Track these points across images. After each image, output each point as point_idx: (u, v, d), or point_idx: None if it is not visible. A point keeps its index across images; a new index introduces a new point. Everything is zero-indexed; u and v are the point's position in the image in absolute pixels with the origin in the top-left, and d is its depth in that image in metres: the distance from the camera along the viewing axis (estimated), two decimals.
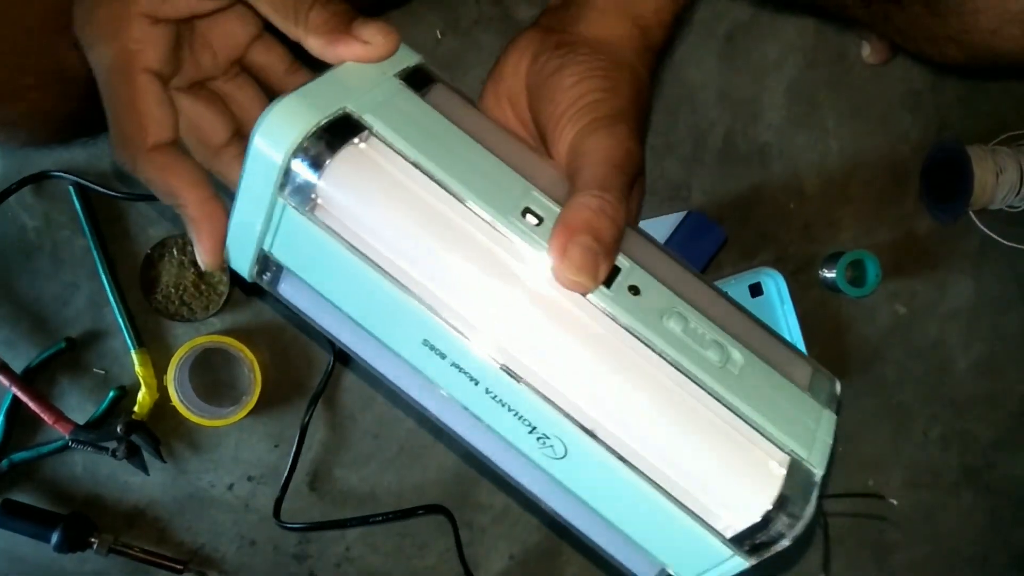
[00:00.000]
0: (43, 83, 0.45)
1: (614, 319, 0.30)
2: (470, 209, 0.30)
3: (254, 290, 0.64)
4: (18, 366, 0.61)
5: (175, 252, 0.63)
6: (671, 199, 0.67)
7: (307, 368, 0.65)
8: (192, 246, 0.60)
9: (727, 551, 0.30)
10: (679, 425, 0.30)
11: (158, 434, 0.63)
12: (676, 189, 0.67)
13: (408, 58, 0.34)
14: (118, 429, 0.60)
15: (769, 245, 0.69)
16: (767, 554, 0.30)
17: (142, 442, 0.61)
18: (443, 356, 0.31)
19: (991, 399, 0.73)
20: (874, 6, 0.53)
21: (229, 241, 0.34)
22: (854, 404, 0.71)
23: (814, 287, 0.70)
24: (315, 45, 0.33)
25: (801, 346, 0.64)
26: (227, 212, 0.34)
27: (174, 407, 0.62)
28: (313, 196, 0.30)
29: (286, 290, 0.35)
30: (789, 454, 0.30)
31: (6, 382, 0.60)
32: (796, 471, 0.30)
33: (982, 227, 0.70)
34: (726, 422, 0.30)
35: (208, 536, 0.66)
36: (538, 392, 0.30)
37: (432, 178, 0.30)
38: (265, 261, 0.34)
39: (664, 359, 0.30)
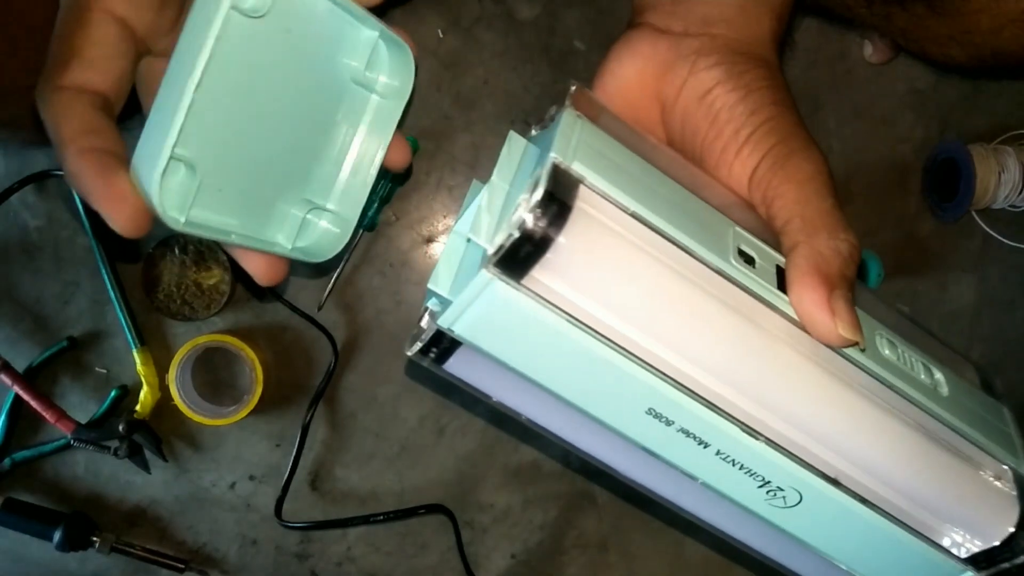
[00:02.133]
0: None
1: (847, 359, 0.28)
2: (696, 257, 0.27)
3: (259, 292, 0.64)
4: (20, 365, 0.61)
5: (177, 251, 0.63)
6: None
7: (308, 367, 0.65)
8: (193, 246, 0.60)
9: (959, 568, 0.29)
10: (913, 459, 0.29)
11: (160, 433, 0.63)
12: None
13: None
14: (120, 428, 0.60)
15: None
16: (1004, 567, 0.30)
17: (144, 441, 0.61)
18: (670, 423, 0.28)
19: None
20: (876, 7, 0.53)
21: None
22: None
23: None
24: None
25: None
26: (116, 165, 0.29)
27: (176, 406, 0.62)
28: (530, 273, 0.26)
29: (455, 366, 0.30)
30: (1011, 467, 0.30)
31: (8, 381, 0.60)
32: (1021, 484, 0.29)
33: (984, 227, 0.70)
34: (951, 446, 0.29)
35: (209, 535, 0.67)
36: (777, 447, 0.28)
37: (651, 227, 0.27)
38: (439, 338, 0.29)
39: (892, 390, 0.29)
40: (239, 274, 0.63)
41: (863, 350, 0.29)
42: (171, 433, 0.65)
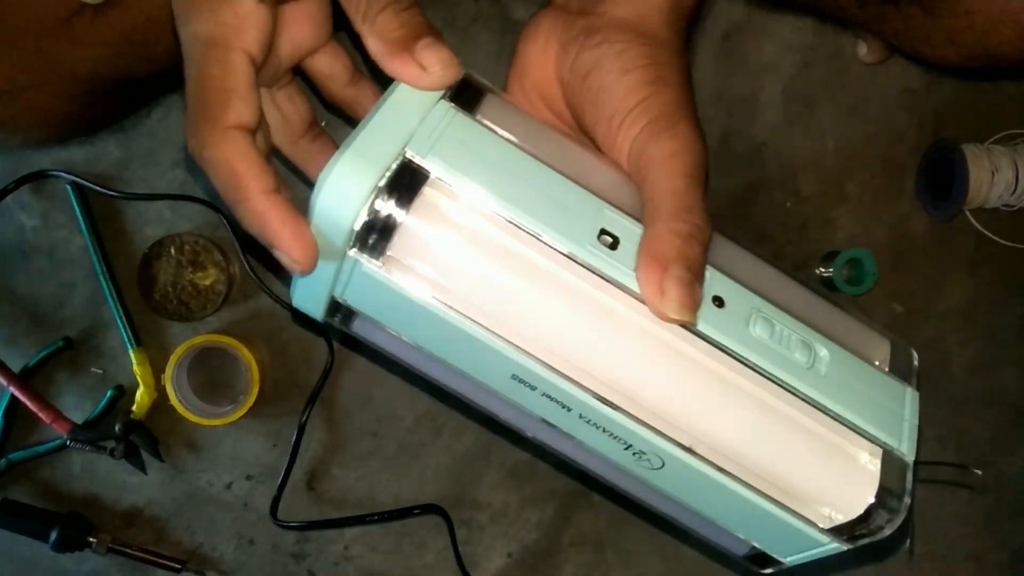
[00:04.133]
0: (41, 82, 0.45)
1: (704, 337, 0.30)
2: (545, 243, 0.29)
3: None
4: (16, 365, 0.61)
5: (173, 251, 0.63)
6: None
7: (305, 367, 0.66)
8: (189, 246, 0.60)
9: (824, 539, 0.31)
10: (774, 434, 0.31)
11: (156, 433, 0.63)
12: None
13: None
14: (116, 428, 0.60)
15: (766, 244, 0.69)
16: (864, 541, 0.31)
17: (140, 441, 0.61)
18: (533, 388, 0.31)
19: (988, 397, 0.73)
20: (870, 7, 0.53)
21: (299, 288, 0.33)
22: None
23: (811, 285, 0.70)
24: (373, 50, 0.32)
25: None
26: (292, 207, 0.31)
27: (172, 406, 0.62)
28: (386, 252, 0.29)
29: (361, 327, 0.34)
30: (882, 447, 0.31)
31: (4, 381, 0.60)
32: (890, 463, 0.31)
33: (978, 226, 0.70)
34: (819, 424, 0.31)
35: (206, 535, 0.66)
36: (632, 417, 0.30)
37: (503, 217, 0.29)
38: (336, 305, 0.33)
39: (756, 371, 0.30)
40: (235, 280, 0.63)
41: (694, 327, 0.30)
42: (167, 433, 0.65)
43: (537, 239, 0.29)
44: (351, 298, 0.32)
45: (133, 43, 0.45)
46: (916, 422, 0.32)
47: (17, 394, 0.60)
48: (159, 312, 0.63)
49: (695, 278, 0.29)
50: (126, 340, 0.63)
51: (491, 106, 0.33)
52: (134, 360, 0.62)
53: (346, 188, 0.28)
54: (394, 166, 0.29)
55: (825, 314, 0.34)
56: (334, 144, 0.40)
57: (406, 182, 0.29)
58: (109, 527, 0.64)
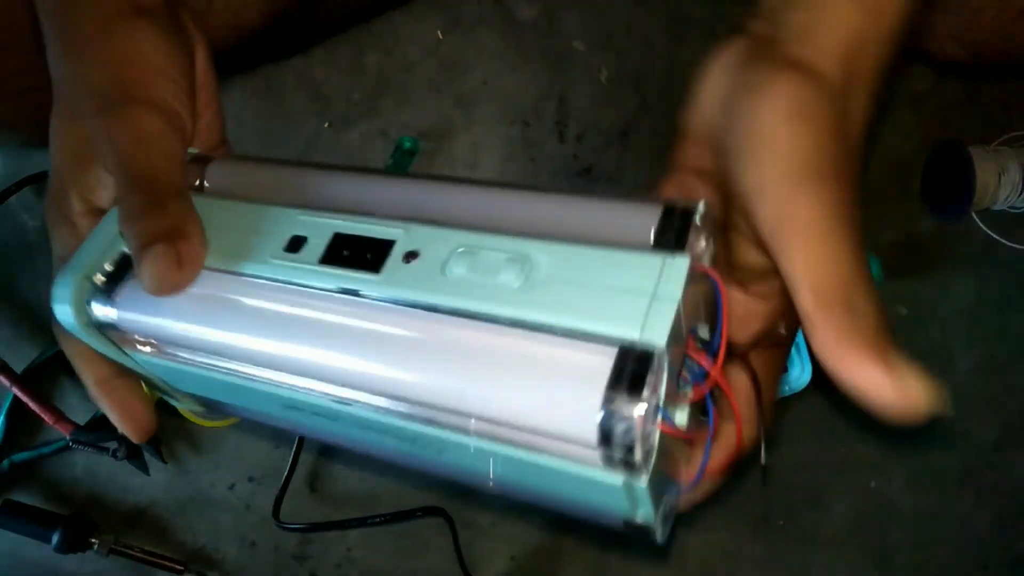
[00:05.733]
0: (44, 83, 0.45)
1: (394, 302, 0.28)
2: (239, 274, 0.31)
3: None
4: (19, 366, 0.61)
5: None
6: None
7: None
8: None
9: (616, 477, 0.26)
10: (500, 378, 0.26)
11: (159, 434, 0.63)
12: None
13: None
14: (118, 430, 0.60)
15: None
16: (652, 456, 0.26)
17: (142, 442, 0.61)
18: (301, 409, 0.32)
19: (993, 400, 0.73)
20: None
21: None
22: (856, 405, 0.71)
23: None
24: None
25: (804, 347, 0.64)
26: (126, 388, 0.38)
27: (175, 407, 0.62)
28: (118, 331, 0.33)
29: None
30: (619, 343, 0.25)
31: (7, 382, 0.59)
32: (626, 356, 0.25)
33: (984, 228, 0.70)
34: (542, 344, 0.26)
35: (209, 537, 0.66)
36: (370, 407, 0.29)
37: (208, 268, 0.31)
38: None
39: (456, 315, 0.27)
40: None
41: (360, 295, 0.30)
42: (170, 434, 0.65)
43: (232, 273, 0.31)
44: (140, 365, 0.35)
45: None
46: (677, 291, 0.25)
47: (20, 395, 0.59)
48: None
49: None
50: None
51: (216, 172, 0.35)
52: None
53: (63, 298, 0.32)
54: (101, 267, 0.32)
55: (578, 209, 0.29)
56: None
57: (112, 278, 0.32)
58: (111, 528, 0.64)
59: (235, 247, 0.31)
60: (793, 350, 0.64)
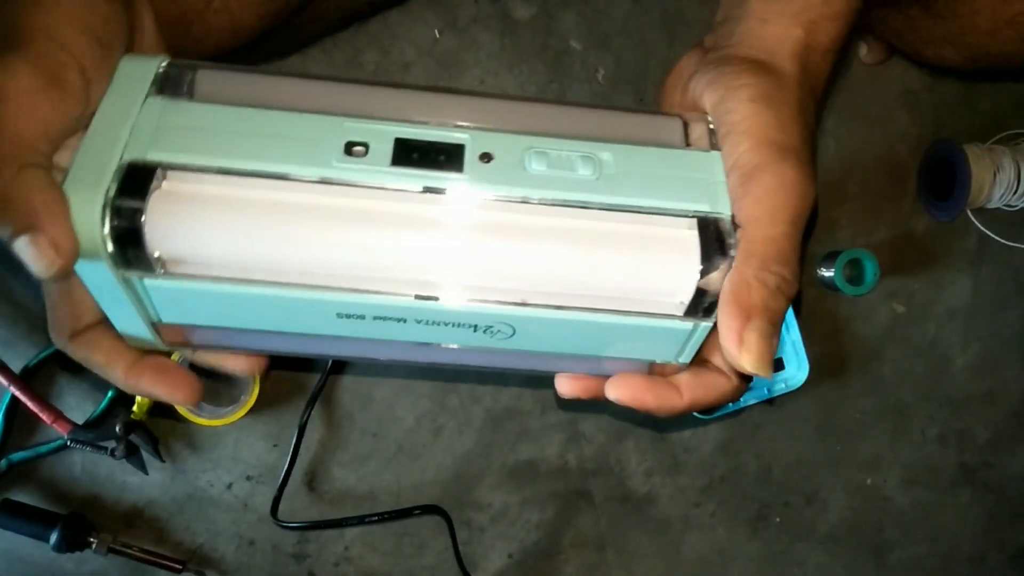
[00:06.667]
0: None
1: (484, 196, 0.30)
2: (297, 179, 0.29)
3: None
4: (16, 365, 0.61)
5: None
6: None
7: (306, 367, 0.66)
8: None
9: (688, 324, 0.31)
10: (590, 253, 0.30)
11: (157, 434, 0.63)
12: None
13: (149, 65, 0.32)
14: (117, 429, 0.60)
15: None
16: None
17: (141, 442, 0.61)
18: (361, 316, 0.31)
19: (989, 397, 0.73)
20: (872, 9, 0.53)
21: (122, 330, 0.34)
22: (852, 403, 0.71)
23: (812, 286, 0.70)
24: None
25: (800, 345, 0.64)
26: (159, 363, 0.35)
27: (172, 406, 0.62)
28: (154, 258, 0.29)
29: (197, 338, 0.35)
30: (695, 216, 0.30)
31: (4, 381, 0.59)
32: (707, 227, 0.30)
33: (979, 226, 0.70)
34: (628, 223, 0.31)
35: (207, 535, 0.66)
36: (475, 299, 0.31)
37: (249, 174, 0.29)
38: (161, 329, 0.34)
39: (544, 204, 0.30)
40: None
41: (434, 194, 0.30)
42: (168, 433, 0.65)
43: (287, 179, 0.29)
44: (165, 316, 0.32)
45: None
46: (723, 177, 0.32)
47: (18, 394, 0.60)
48: None
49: (775, 332, 0.29)
50: None
51: (206, 80, 0.32)
52: None
53: (79, 220, 0.28)
54: (119, 173, 0.28)
55: (608, 122, 0.34)
56: None
57: (137, 185, 0.28)
58: (110, 528, 0.64)
59: (282, 153, 0.30)
60: (790, 349, 0.65)
